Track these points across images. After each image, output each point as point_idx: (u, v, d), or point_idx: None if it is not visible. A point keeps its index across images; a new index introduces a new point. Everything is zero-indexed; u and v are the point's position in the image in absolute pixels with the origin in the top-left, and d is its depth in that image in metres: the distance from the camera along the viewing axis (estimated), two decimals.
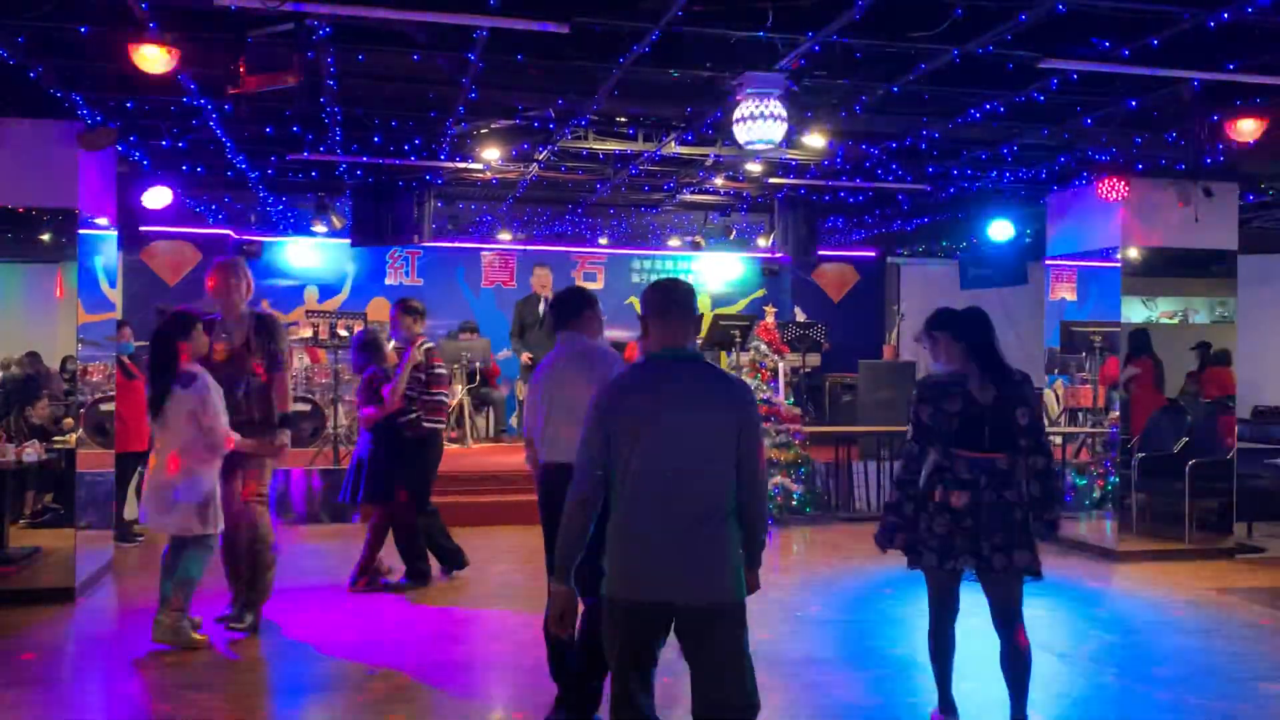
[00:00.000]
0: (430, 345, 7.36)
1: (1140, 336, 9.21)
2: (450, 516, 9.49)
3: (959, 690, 4.77)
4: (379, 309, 14.25)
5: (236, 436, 5.74)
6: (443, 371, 7.45)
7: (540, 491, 4.76)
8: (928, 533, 4.36)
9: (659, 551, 3.16)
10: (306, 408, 11.33)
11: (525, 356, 10.75)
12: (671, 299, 3.36)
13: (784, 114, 6.69)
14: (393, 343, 7.52)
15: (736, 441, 3.20)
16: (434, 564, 7.49)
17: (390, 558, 7.46)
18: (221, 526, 5.78)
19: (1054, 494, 4.36)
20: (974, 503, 4.28)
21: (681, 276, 15.67)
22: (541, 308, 10.77)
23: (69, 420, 7.85)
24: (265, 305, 13.76)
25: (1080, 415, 11.39)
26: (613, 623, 3.26)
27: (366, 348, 7.20)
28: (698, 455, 3.18)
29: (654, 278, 15.46)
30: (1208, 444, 8.98)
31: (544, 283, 10.93)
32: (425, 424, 7.23)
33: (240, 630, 5.90)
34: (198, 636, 5.73)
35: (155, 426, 5.75)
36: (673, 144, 9.05)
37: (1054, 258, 9.95)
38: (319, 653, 5.79)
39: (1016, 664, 4.39)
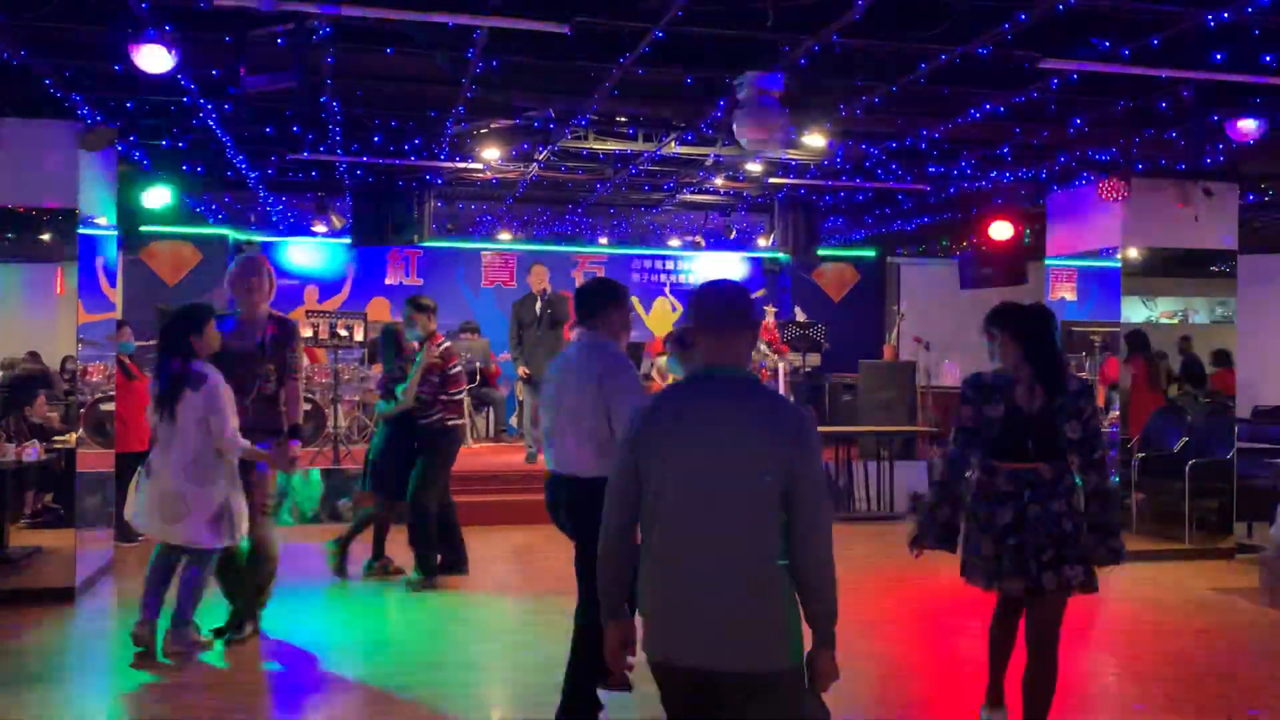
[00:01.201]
0: (447, 345, 7.41)
1: (1135, 336, 9.22)
2: None
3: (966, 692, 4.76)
4: (379, 309, 14.27)
5: (247, 444, 5.51)
6: (459, 369, 7.51)
7: (546, 499, 4.64)
8: (975, 554, 4.13)
9: (690, 606, 2.66)
10: (307, 407, 11.33)
11: (522, 370, 10.82)
12: (723, 306, 2.82)
13: (784, 114, 6.69)
14: (414, 342, 7.50)
15: (783, 484, 2.64)
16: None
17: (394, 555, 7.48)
18: (239, 539, 5.58)
19: (1115, 518, 4.08)
20: (1018, 517, 4.03)
21: (683, 277, 15.77)
22: (538, 306, 10.79)
23: (53, 415, 7.85)
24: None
25: None
26: (657, 684, 2.80)
27: (389, 343, 7.47)
28: (732, 495, 2.65)
29: (654, 278, 15.69)
30: (1208, 444, 8.98)
31: (541, 280, 10.94)
32: (449, 423, 7.32)
33: (240, 641, 5.78)
34: (203, 639, 5.68)
35: (160, 425, 5.46)
36: (673, 144, 9.05)
37: (1054, 258, 9.96)
38: (318, 652, 5.79)
39: (1041, 687, 4.13)
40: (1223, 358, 9.96)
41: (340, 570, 7.39)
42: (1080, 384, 4.11)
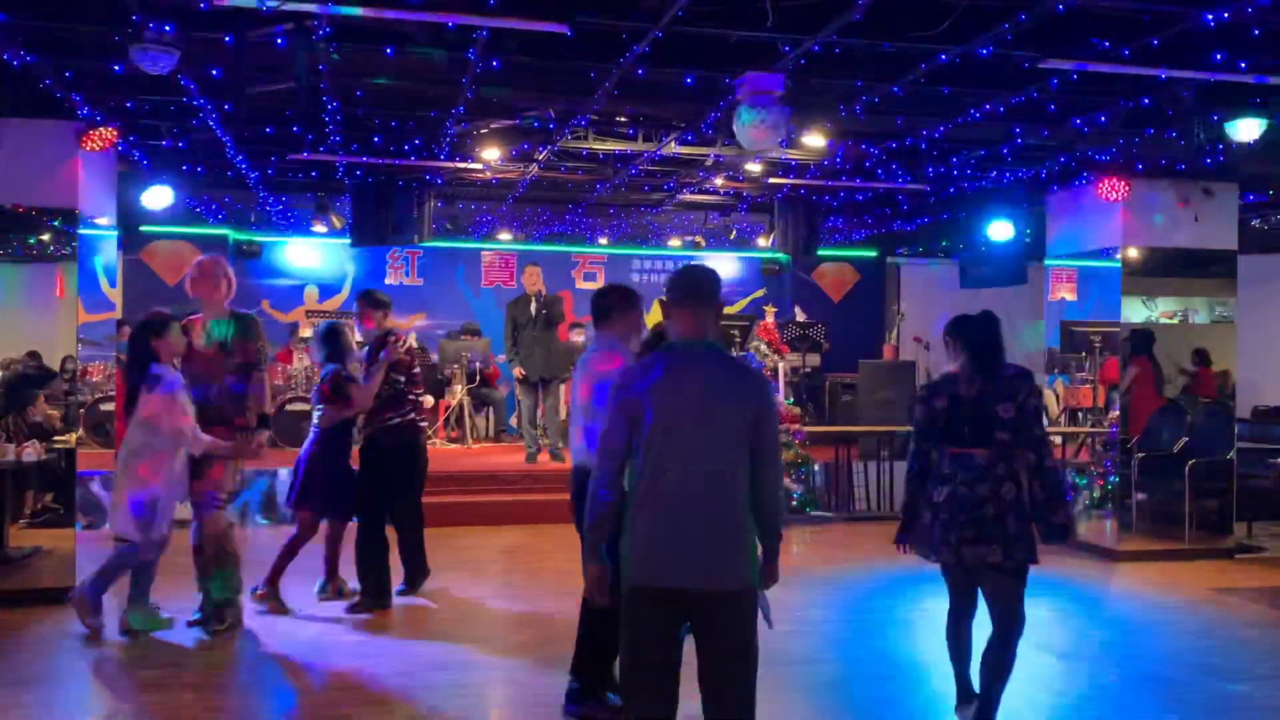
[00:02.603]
0: (411, 342, 7.13)
1: (1140, 336, 9.21)
2: (450, 516, 9.53)
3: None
4: None
5: (208, 439, 5.76)
6: (419, 369, 7.02)
7: (571, 490, 4.86)
8: (920, 525, 4.51)
9: (679, 539, 3.17)
10: (306, 407, 11.32)
11: (518, 371, 10.89)
12: (693, 287, 3.35)
13: (784, 114, 6.69)
14: (357, 337, 7.00)
15: (751, 433, 3.21)
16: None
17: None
18: (165, 533, 5.83)
19: (1058, 494, 4.38)
20: (950, 497, 4.37)
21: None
22: (533, 307, 10.83)
23: (54, 413, 7.85)
24: (265, 305, 13.79)
25: (1080, 415, 11.39)
26: (632, 610, 3.25)
27: (329, 341, 6.57)
28: (714, 445, 3.18)
29: (654, 278, 15.67)
30: (1208, 444, 8.98)
31: (534, 281, 10.98)
32: (422, 423, 6.97)
33: (222, 632, 5.91)
34: (162, 618, 5.98)
35: (127, 425, 5.77)
36: (673, 144, 9.05)
37: (1054, 258, 9.95)
38: (316, 652, 5.79)
39: (995, 661, 4.39)
40: (1202, 357, 9.90)
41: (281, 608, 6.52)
42: (1017, 370, 4.45)
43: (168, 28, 5.93)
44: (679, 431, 3.17)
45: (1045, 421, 4.50)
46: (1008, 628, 4.37)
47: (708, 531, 3.17)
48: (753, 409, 3.22)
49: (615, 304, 4.75)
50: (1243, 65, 6.48)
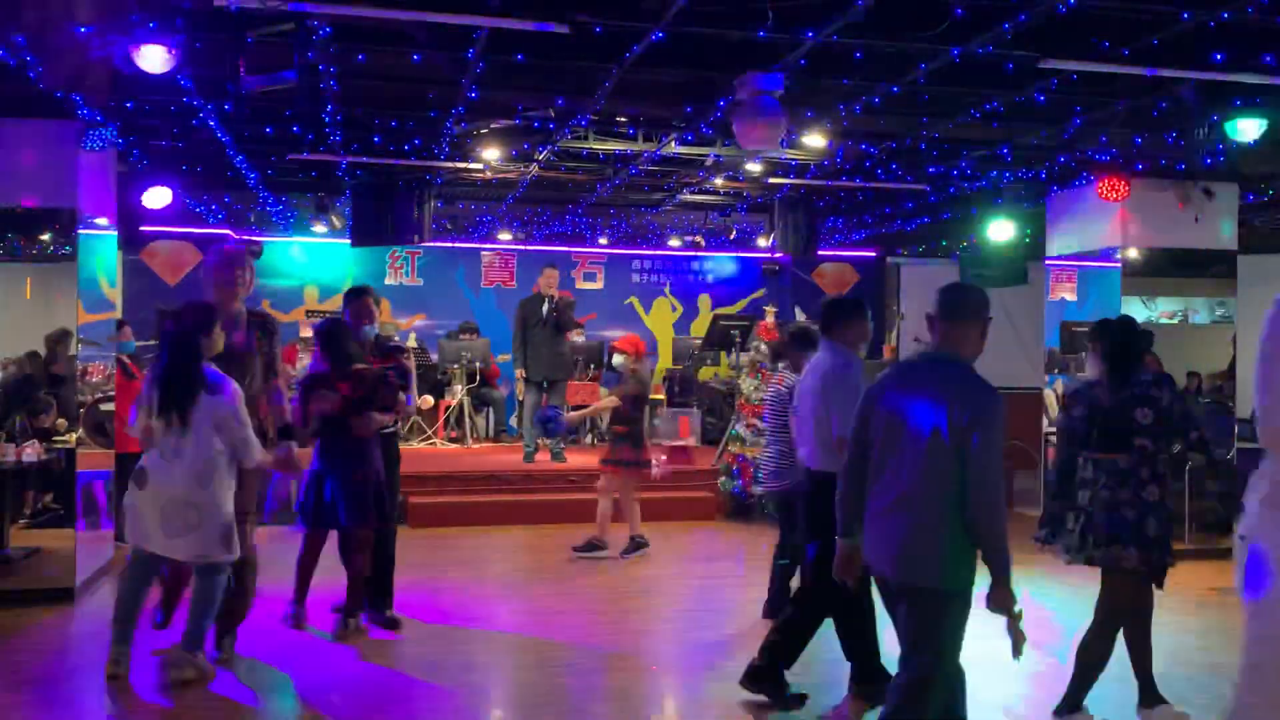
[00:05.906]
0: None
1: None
2: (450, 516, 9.54)
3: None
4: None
5: (260, 448, 5.22)
6: None
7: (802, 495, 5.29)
8: (1060, 527, 4.75)
9: (876, 529, 3.58)
10: None
11: (519, 373, 10.97)
12: (947, 304, 3.69)
13: (784, 114, 6.69)
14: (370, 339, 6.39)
15: (957, 445, 3.38)
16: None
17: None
18: (239, 551, 5.22)
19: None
20: (1092, 500, 4.62)
21: (683, 277, 15.76)
22: (545, 308, 10.87)
23: (61, 421, 7.85)
24: (265, 305, 13.79)
25: None
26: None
27: (333, 342, 5.98)
28: (913, 453, 3.46)
29: (654, 278, 15.68)
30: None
31: (551, 283, 11.05)
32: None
33: (221, 663, 5.44)
34: (209, 666, 5.35)
35: (164, 431, 5.01)
36: (673, 144, 9.04)
37: (1054, 258, 9.95)
38: (314, 655, 5.79)
39: (1087, 654, 4.72)
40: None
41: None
42: (1154, 375, 4.67)
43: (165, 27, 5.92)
44: (885, 434, 3.54)
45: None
46: (1110, 622, 4.67)
47: (899, 528, 3.48)
48: (960, 428, 3.39)
49: (850, 315, 5.12)
50: (1243, 65, 6.48)
